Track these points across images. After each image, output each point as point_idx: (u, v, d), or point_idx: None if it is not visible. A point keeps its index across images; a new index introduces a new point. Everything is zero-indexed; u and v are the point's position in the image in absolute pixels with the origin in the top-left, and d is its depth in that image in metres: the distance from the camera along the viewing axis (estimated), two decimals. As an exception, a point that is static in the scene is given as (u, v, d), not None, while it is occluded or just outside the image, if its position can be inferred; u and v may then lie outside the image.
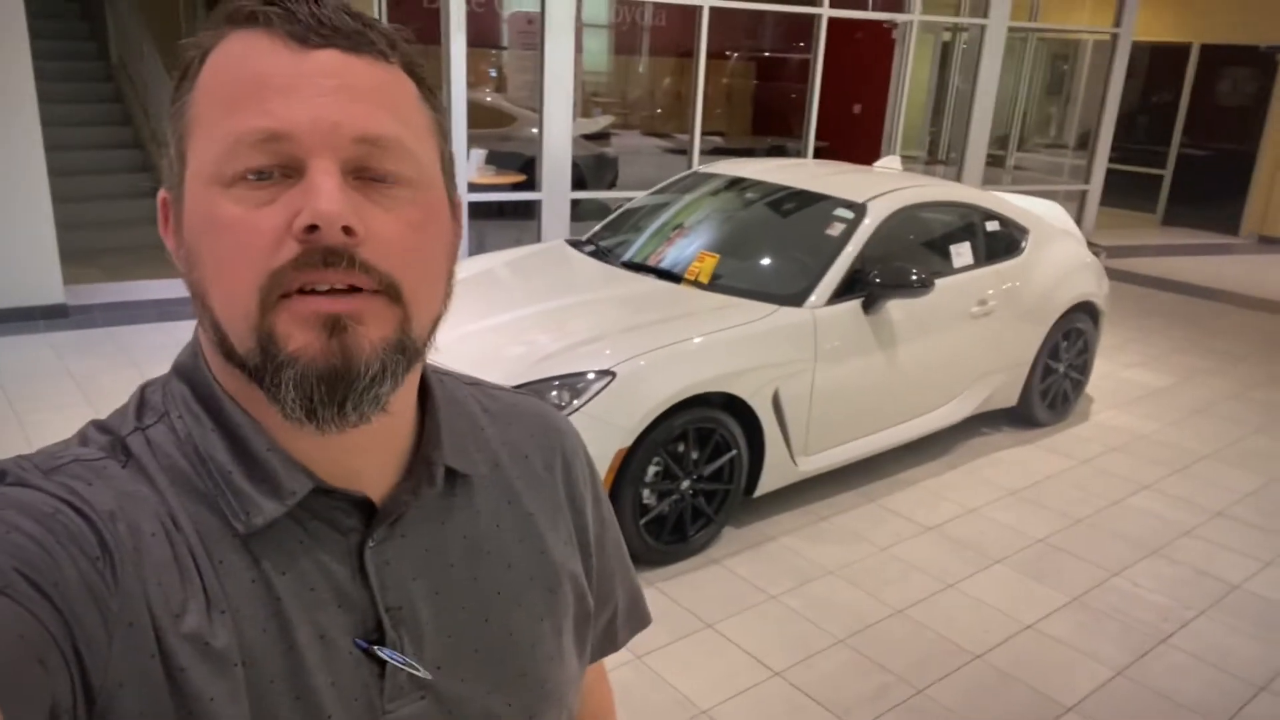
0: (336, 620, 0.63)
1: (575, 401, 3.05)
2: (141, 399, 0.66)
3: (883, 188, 4.08)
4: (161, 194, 0.63)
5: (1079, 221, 9.65)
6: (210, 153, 0.57)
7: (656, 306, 3.53)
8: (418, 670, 0.65)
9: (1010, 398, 4.60)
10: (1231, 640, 3.10)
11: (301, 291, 0.56)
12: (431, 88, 0.64)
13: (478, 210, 6.78)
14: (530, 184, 7.04)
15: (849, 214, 3.89)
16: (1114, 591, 3.35)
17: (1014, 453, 4.49)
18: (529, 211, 7.05)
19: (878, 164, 5.12)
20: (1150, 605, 3.27)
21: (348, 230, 0.56)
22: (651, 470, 3.20)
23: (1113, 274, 8.43)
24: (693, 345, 3.24)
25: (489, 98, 9.17)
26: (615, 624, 0.88)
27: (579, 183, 7.87)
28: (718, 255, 3.84)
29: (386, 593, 0.65)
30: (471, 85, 8.90)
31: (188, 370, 0.65)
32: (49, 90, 7.21)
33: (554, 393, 3.10)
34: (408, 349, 0.61)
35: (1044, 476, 4.25)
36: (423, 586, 0.67)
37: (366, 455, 0.65)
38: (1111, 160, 10.01)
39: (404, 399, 0.66)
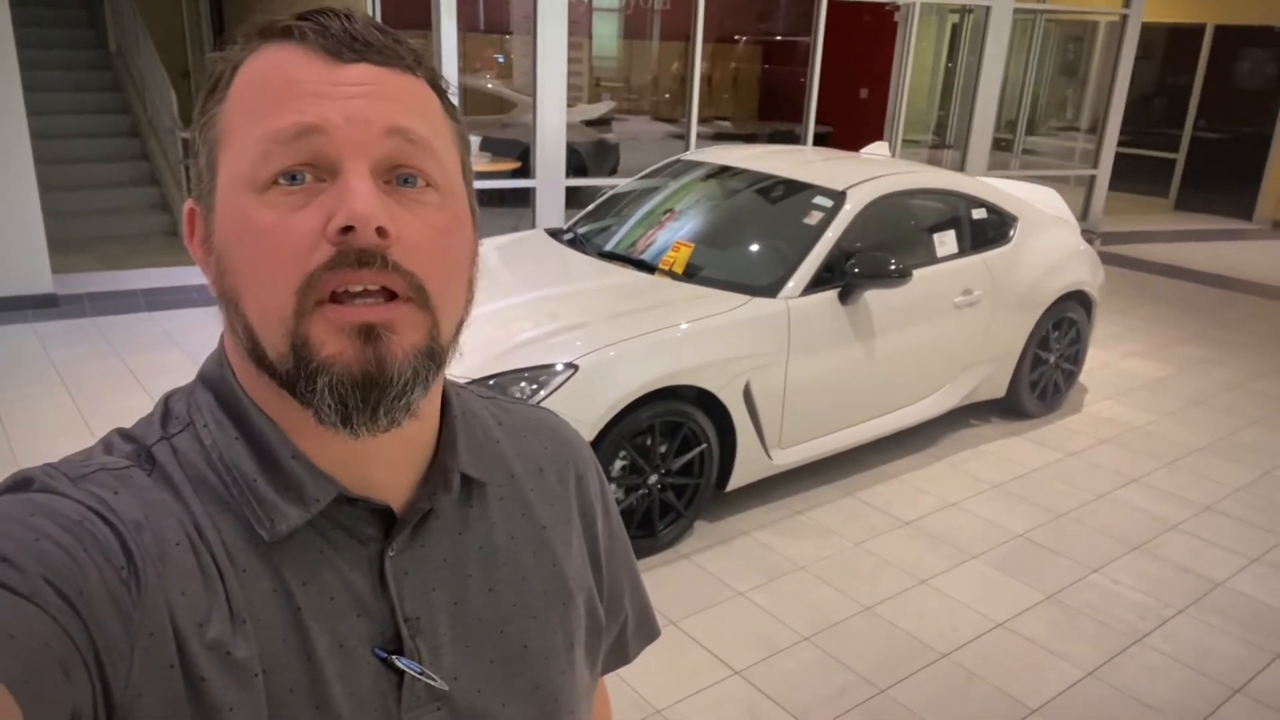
0: (356, 630, 0.63)
1: (539, 394, 3.01)
2: (166, 408, 0.66)
3: (864, 175, 3.99)
4: (188, 205, 0.64)
5: (1087, 206, 9.50)
6: (243, 159, 0.59)
7: (627, 298, 3.48)
8: (435, 681, 0.66)
9: (998, 389, 4.52)
10: (1210, 640, 3.02)
11: (336, 298, 0.57)
12: (452, 100, 0.66)
13: (471, 198, 6.73)
14: (525, 171, 6.99)
15: (828, 202, 3.81)
16: (1092, 589, 3.28)
17: (1000, 445, 4.41)
18: (525, 199, 7.00)
19: (865, 150, 5.03)
20: (1128, 603, 3.20)
21: (381, 231, 0.57)
22: (618, 464, 3.16)
23: (1121, 260, 8.31)
24: (659, 338, 3.19)
25: (490, 84, 9.11)
26: (625, 637, 0.89)
27: (580, 169, 7.81)
28: (693, 245, 3.77)
29: (405, 603, 0.65)
30: (474, 71, 8.87)
31: (213, 379, 0.66)
32: (46, 79, 7.24)
33: (522, 384, 3.06)
34: (436, 354, 0.62)
35: (1029, 469, 4.17)
36: (441, 597, 0.68)
37: (389, 464, 0.66)
38: (1124, 144, 9.83)
39: (430, 404, 0.67)
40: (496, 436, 0.77)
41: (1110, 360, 5.64)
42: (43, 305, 5.45)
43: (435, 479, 0.68)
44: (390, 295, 0.59)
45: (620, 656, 0.90)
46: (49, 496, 0.57)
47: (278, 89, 0.59)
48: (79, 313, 5.43)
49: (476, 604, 0.70)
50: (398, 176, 0.60)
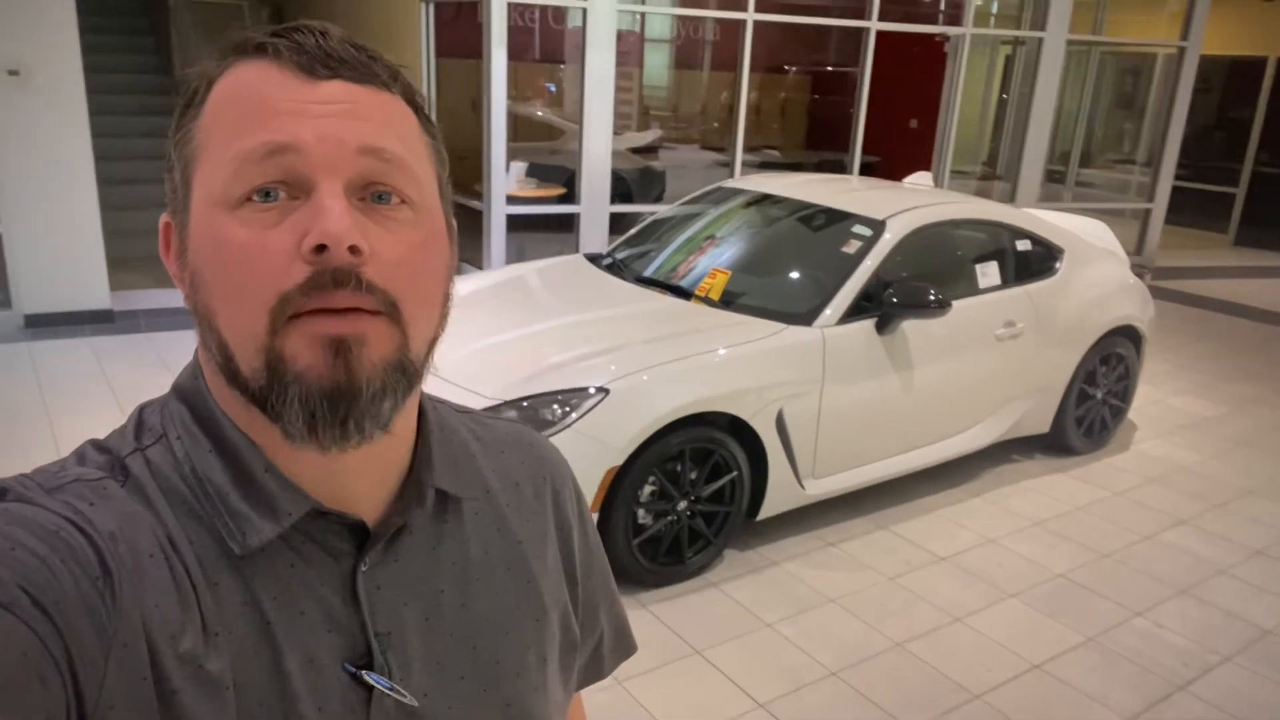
0: (326, 644, 0.63)
1: (570, 417, 3.01)
2: (140, 420, 0.66)
3: (905, 204, 3.96)
4: (164, 218, 0.65)
5: (1142, 240, 9.31)
6: (218, 176, 0.59)
7: (661, 324, 3.48)
8: (404, 697, 0.65)
9: (1042, 424, 4.42)
10: (1257, 690, 2.90)
11: (309, 313, 0.57)
12: (429, 116, 0.66)
13: (516, 223, 6.82)
14: (571, 197, 7.06)
15: (867, 231, 3.78)
16: (1134, 632, 3.17)
17: (1043, 481, 4.31)
18: (570, 225, 7.06)
19: (907, 180, 4.99)
20: (1172, 648, 3.09)
21: (354, 250, 0.57)
22: (647, 490, 3.15)
23: (1175, 296, 8.11)
24: (691, 364, 3.18)
25: (540, 112, 9.24)
26: (601, 652, 0.88)
27: (625, 196, 7.87)
28: (729, 272, 3.77)
29: (377, 617, 0.65)
30: (526, 99, 9.01)
31: (187, 391, 0.66)
32: (114, 102, 7.51)
33: (554, 407, 3.07)
34: (407, 369, 0.62)
35: (1073, 507, 4.07)
36: (413, 612, 0.67)
37: (363, 478, 0.65)
38: (1182, 178, 9.62)
39: (405, 420, 0.67)
40: (473, 451, 0.77)
41: (1161, 398, 5.50)
42: (100, 320, 5.62)
43: (410, 494, 0.68)
44: (363, 312, 0.59)
45: (595, 671, 0.89)
46: (24, 506, 0.57)
47: (251, 106, 0.59)
48: (134, 328, 5.59)
49: (449, 619, 0.70)
50: (372, 193, 0.60)
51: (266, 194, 0.58)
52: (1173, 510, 4.09)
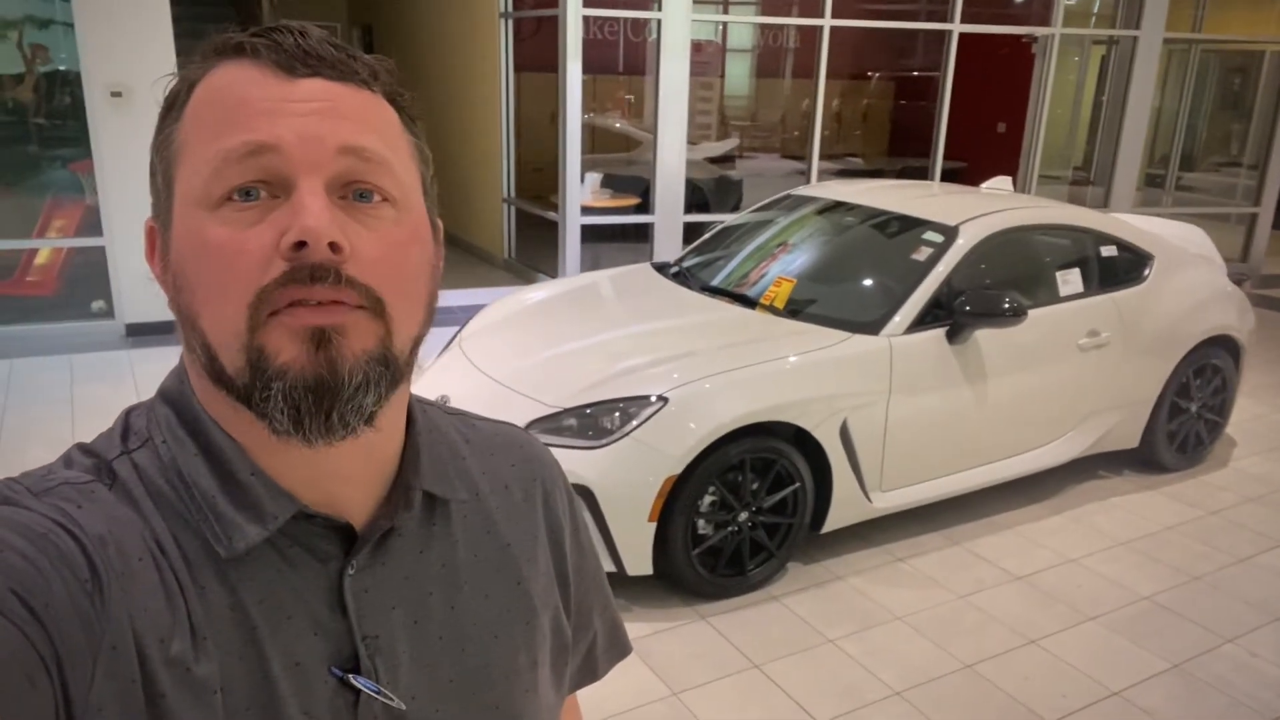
0: (313, 648, 0.63)
1: (629, 425, 3.00)
2: (126, 423, 0.67)
3: (980, 210, 3.84)
4: (148, 222, 0.65)
5: (1248, 246, 8.83)
6: (198, 176, 0.59)
7: (724, 332, 3.44)
8: (392, 700, 0.65)
9: (1130, 439, 4.21)
10: (1363, 728, 2.69)
11: (288, 306, 0.57)
12: (412, 115, 0.66)
13: (591, 233, 6.87)
14: (645, 207, 7.07)
15: (938, 238, 3.67)
16: (1224, 660, 2.99)
17: (1131, 499, 4.10)
18: (645, 234, 7.08)
19: (985, 185, 4.84)
20: (1266, 679, 2.89)
21: (334, 246, 0.57)
22: (707, 500, 3.11)
23: (1280, 305, 7.65)
24: (751, 373, 3.13)
25: (617, 124, 9.30)
26: (594, 654, 0.88)
27: (702, 205, 7.85)
28: (794, 280, 3.71)
29: (364, 621, 0.65)
30: (604, 110, 9.08)
31: (173, 395, 0.66)
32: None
33: (614, 415, 3.06)
34: (390, 363, 0.61)
35: (1162, 527, 3.86)
36: (401, 615, 0.67)
37: (350, 481, 0.65)
38: (1292, 180, 9.06)
39: (392, 419, 0.66)
40: (463, 454, 0.76)
41: (1264, 413, 5.18)
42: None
43: (398, 497, 0.68)
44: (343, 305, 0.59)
45: (589, 673, 0.88)
46: (12, 509, 0.57)
47: (231, 107, 0.59)
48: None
49: (437, 622, 0.69)
50: (353, 192, 0.60)
51: (247, 193, 0.58)
52: (1273, 532, 3.84)
